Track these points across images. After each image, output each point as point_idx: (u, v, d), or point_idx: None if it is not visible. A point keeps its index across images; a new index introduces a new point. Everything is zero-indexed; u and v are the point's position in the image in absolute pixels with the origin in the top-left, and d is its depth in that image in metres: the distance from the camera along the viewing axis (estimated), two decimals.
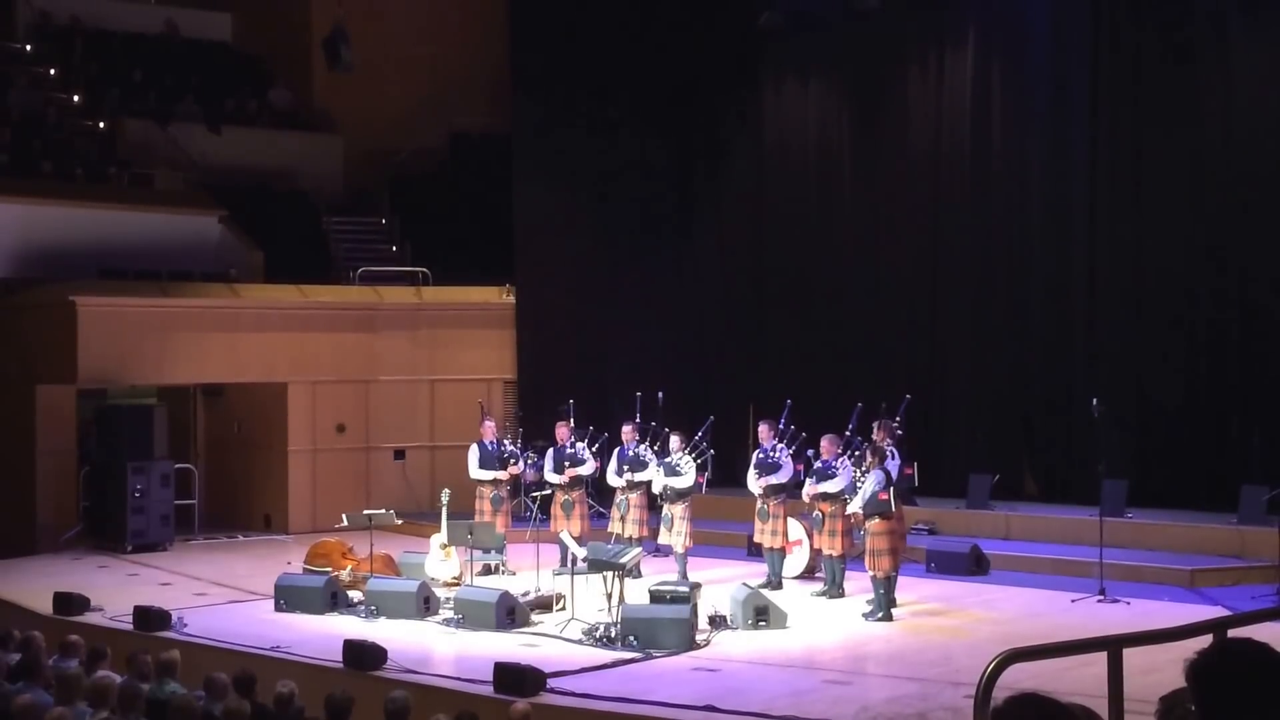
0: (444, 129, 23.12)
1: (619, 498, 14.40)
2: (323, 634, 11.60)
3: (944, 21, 17.80)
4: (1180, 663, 2.74)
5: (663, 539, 14.19)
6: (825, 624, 12.15)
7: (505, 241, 19.90)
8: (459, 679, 9.99)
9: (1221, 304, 15.48)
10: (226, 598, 13.75)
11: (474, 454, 15.08)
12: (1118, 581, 12.94)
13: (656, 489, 14.19)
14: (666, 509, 14.08)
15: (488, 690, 9.52)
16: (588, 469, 14.79)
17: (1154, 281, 15.99)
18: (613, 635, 11.05)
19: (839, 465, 13.10)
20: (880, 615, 12.10)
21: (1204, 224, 15.65)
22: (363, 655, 10.33)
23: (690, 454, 14.13)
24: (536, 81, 19.84)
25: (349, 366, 19.28)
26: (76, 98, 22.69)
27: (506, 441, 15.33)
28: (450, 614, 12.14)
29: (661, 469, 14.09)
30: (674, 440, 14.15)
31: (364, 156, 23.21)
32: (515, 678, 9.48)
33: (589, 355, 19.33)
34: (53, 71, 23.09)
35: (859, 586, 12.83)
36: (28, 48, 23.43)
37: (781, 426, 14.19)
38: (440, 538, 13.92)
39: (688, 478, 14.01)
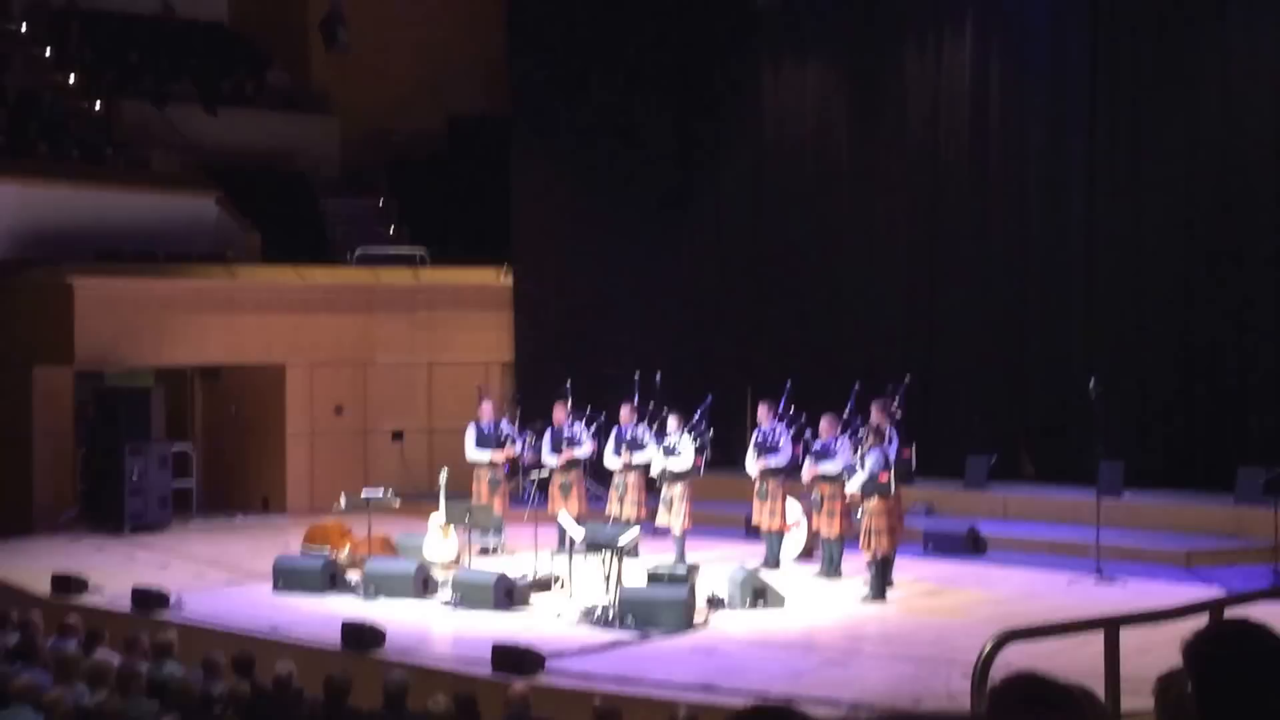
0: (442, 111, 23.03)
1: (617, 479, 14.40)
2: (321, 615, 11.62)
3: (942, 2, 17.76)
4: (1176, 642, 2.75)
5: (661, 520, 14.19)
6: (823, 605, 12.18)
7: (503, 223, 19.86)
8: (457, 660, 10.02)
9: (1218, 285, 15.47)
10: (225, 579, 13.77)
11: (470, 434, 15.12)
12: (1114, 562, 12.97)
13: (655, 470, 14.19)
14: (665, 490, 14.08)
15: (486, 671, 9.54)
16: (585, 450, 14.79)
17: (1151, 261, 15.98)
18: (611, 616, 11.07)
19: (838, 446, 13.09)
20: (872, 595, 12.11)
21: (1202, 204, 15.65)
22: (361, 636, 10.36)
23: (689, 435, 14.13)
24: (534, 64, 19.79)
25: (347, 348, 19.25)
26: (72, 79, 22.59)
27: (504, 422, 15.35)
28: (449, 595, 12.17)
29: (660, 450, 14.10)
30: (672, 421, 14.14)
31: (361, 138, 23.13)
32: (513, 658, 9.50)
33: (587, 336, 19.30)
34: (48, 52, 22.98)
35: (857, 568, 12.84)
36: (23, 28, 23.33)
37: (781, 408, 14.18)
38: (439, 516, 13.92)
39: (686, 459, 14.00)
